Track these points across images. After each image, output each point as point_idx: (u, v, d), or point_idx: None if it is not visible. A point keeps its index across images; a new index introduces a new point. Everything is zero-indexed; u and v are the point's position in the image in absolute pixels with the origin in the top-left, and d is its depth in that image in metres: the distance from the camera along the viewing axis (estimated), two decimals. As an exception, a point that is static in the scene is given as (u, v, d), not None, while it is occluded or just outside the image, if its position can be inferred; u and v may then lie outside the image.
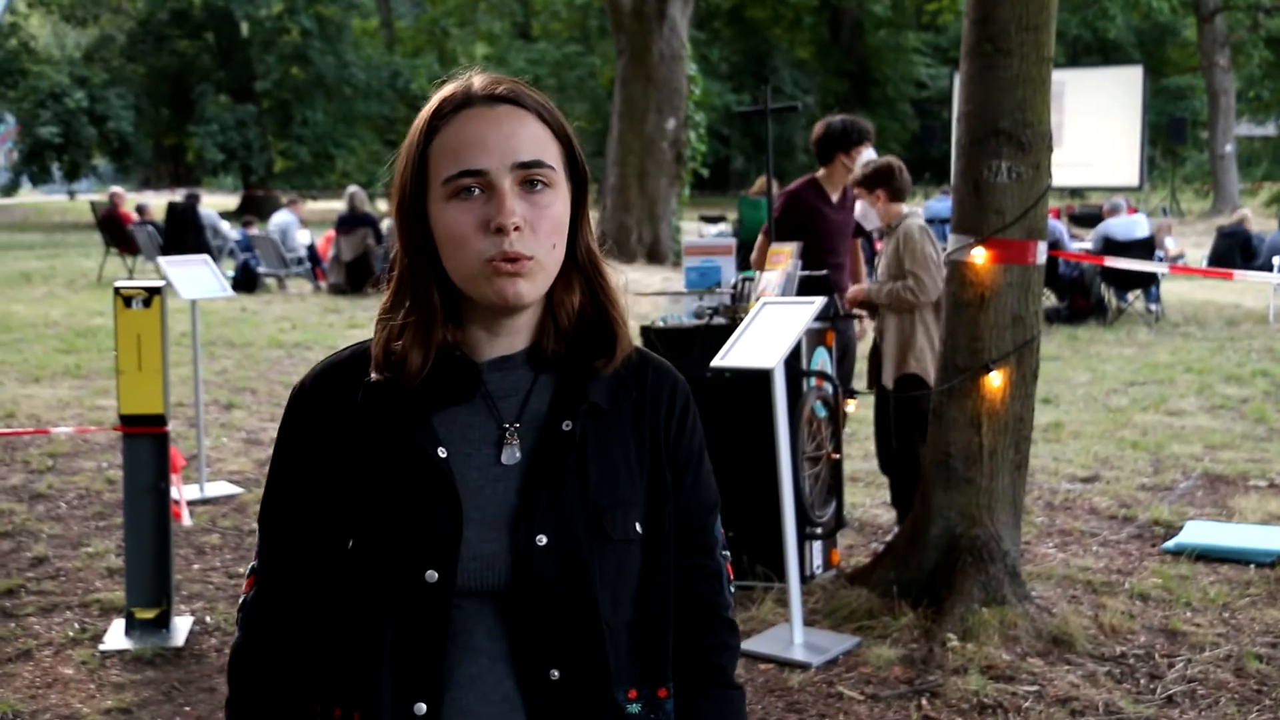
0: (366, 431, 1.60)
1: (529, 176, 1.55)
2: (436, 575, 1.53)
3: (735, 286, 5.90)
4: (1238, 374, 10.90)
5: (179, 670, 4.78)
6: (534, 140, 1.56)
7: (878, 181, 6.04)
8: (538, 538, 1.55)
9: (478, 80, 1.60)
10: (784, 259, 5.80)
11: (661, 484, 1.66)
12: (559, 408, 1.61)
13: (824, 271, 5.95)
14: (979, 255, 5.01)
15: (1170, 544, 6.09)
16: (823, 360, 5.74)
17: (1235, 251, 16.55)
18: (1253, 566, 5.79)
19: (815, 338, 5.66)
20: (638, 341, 1.89)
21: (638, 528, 1.62)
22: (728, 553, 1.77)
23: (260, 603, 1.67)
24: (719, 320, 5.63)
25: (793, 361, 5.20)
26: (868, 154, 6.34)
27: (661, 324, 5.78)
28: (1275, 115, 44.12)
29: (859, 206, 6.38)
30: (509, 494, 1.58)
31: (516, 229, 1.52)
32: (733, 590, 1.77)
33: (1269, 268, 14.55)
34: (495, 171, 1.53)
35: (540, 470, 1.58)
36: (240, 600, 1.70)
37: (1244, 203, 31.15)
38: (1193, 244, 22.98)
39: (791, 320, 4.90)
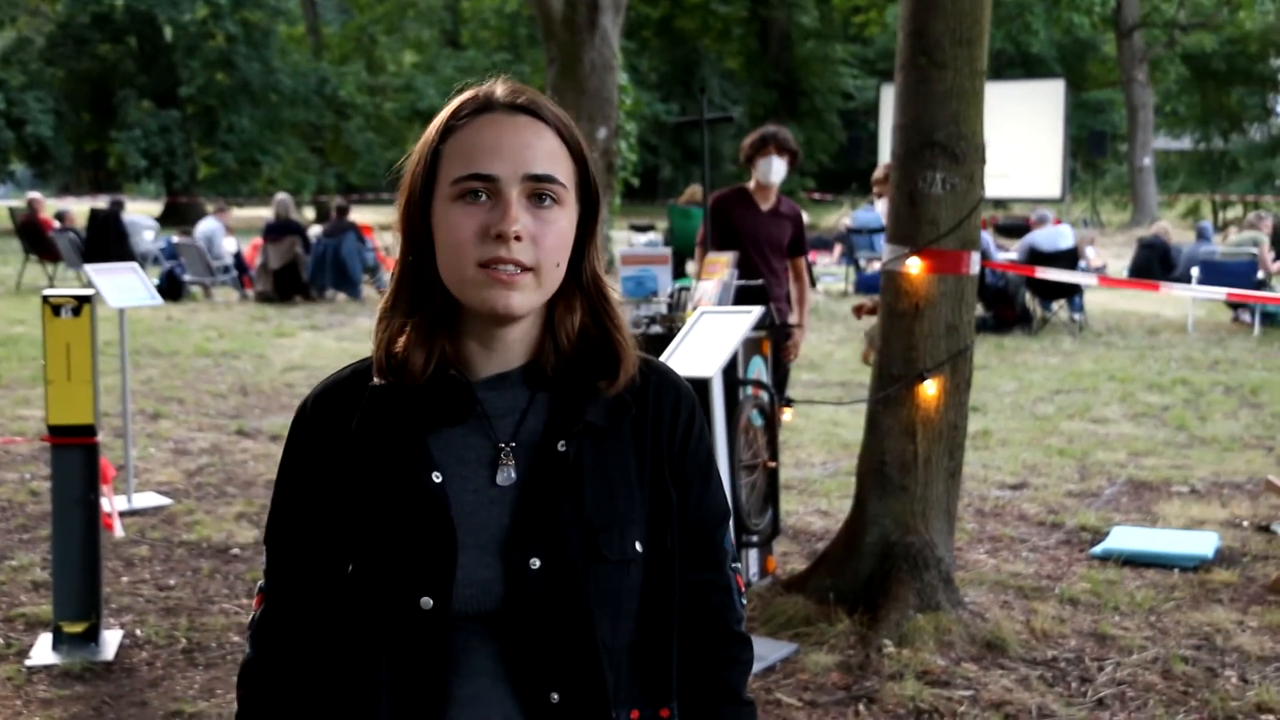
0: (364, 454, 1.59)
1: (539, 190, 1.54)
2: (431, 602, 1.52)
3: (671, 295, 5.92)
4: (1159, 382, 11.10)
5: (109, 685, 4.70)
6: (548, 154, 1.56)
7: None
8: (531, 561, 1.54)
9: (501, 87, 1.60)
10: (720, 269, 5.82)
11: (665, 500, 1.64)
12: (555, 428, 1.59)
13: (759, 281, 5.99)
14: (914, 265, 5.07)
15: (1098, 549, 6.18)
16: (759, 369, 5.77)
17: (1155, 263, 16.86)
18: (1177, 571, 5.90)
19: (751, 347, 5.68)
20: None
21: (637, 547, 1.60)
22: (738, 564, 1.75)
23: (268, 621, 1.67)
24: (656, 329, 5.65)
25: (729, 370, 5.22)
26: (770, 162, 6.45)
27: None
28: (1191, 130, 45.01)
29: (879, 205, 6.45)
30: (504, 516, 1.57)
31: (518, 238, 1.51)
32: (744, 603, 1.75)
33: (1187, 278, 14.83)
34: (505, 179, 1.53)
35: (534, 492, 1.56)
36: (250, 618, 1.70)
37: (1162, 214, 31.73)
38: (1113, 255, 23.35)
39: (729, 329, 4.92)
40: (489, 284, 1.52)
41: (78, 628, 4.96)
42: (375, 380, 1.60)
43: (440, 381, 1.58)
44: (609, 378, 1.61)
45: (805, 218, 6.75)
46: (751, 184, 6.60)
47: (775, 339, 6.22)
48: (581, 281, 1.63)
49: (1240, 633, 5.10)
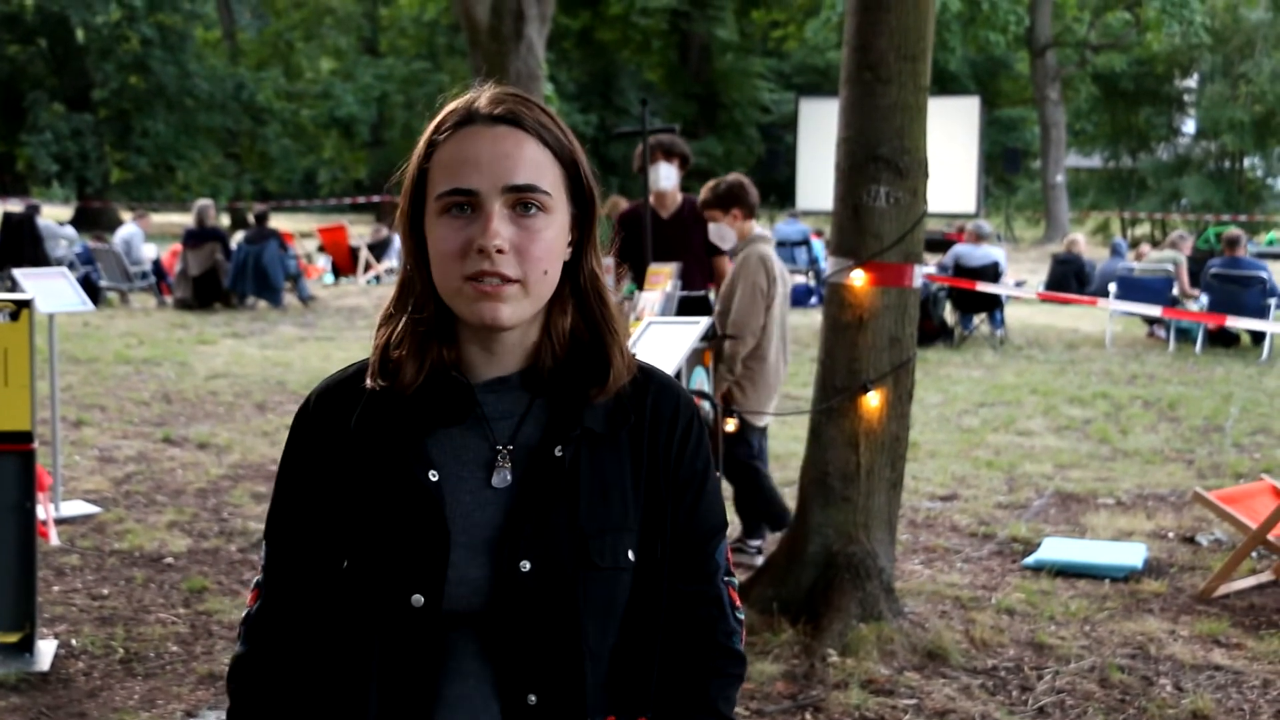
0: (362, 452, 1.60)
1: (521, 200, 1.55)
2: (422, 599, 1.54)
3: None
4: (1080, 396, 11.30)
5: (46, 695, 4.62)
6: (529, 164, 1.56)
7: (732, 201, 6.21)
8: (521, 563, 1.55)
9: (484, 97, 1.59)
10: (663, 279, 5.86)
11: (660, 509, 1.64)
12: (553, 432, 1.61)
13: (702, 292, 6.03)
14: (857, 278, 5.13)
15: (1030, 560, 6.29)
16: (700, 379, 5.80)
17: (1070, 278, 17.18)
18: (1108, 581, 6.02)
19: (694, 357, 5.72)
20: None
21: (629, 555, 1.61)
22: (732, 578, 1.74)
23: (264, 616, 1.67)
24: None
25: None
26: (658, 169, 6.50)
27: None
28: (1101, 148, 45.89)
29: (714, 228, 6.43)
30: (497, 518, 1.58)
31: (499, 251, 1.52)
32: (740, 617, 1.74)
33: (1103, 293, 15.11)
34: (485, 192, 1.53)
35: (528, 495, 1.58)
36: (245, 614, 1.70)
37: (1073, 231, 32.30)
38: (1027, 270, 23.75)
39: (677, 340, 4.95)
40: (476, 297, 1.53)
41: (11, 638, 4.86)
42: (369, 383, 1.61)
43: (441, 383, 1.60)
44: (598, 384, 1.61)
45: None
46: (651, 195, 6.62)
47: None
48: (578, 284, 1.63)
49: (1172, 642, 5.22)
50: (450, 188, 1.54)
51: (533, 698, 1.56)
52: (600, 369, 1.62)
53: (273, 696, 1.65)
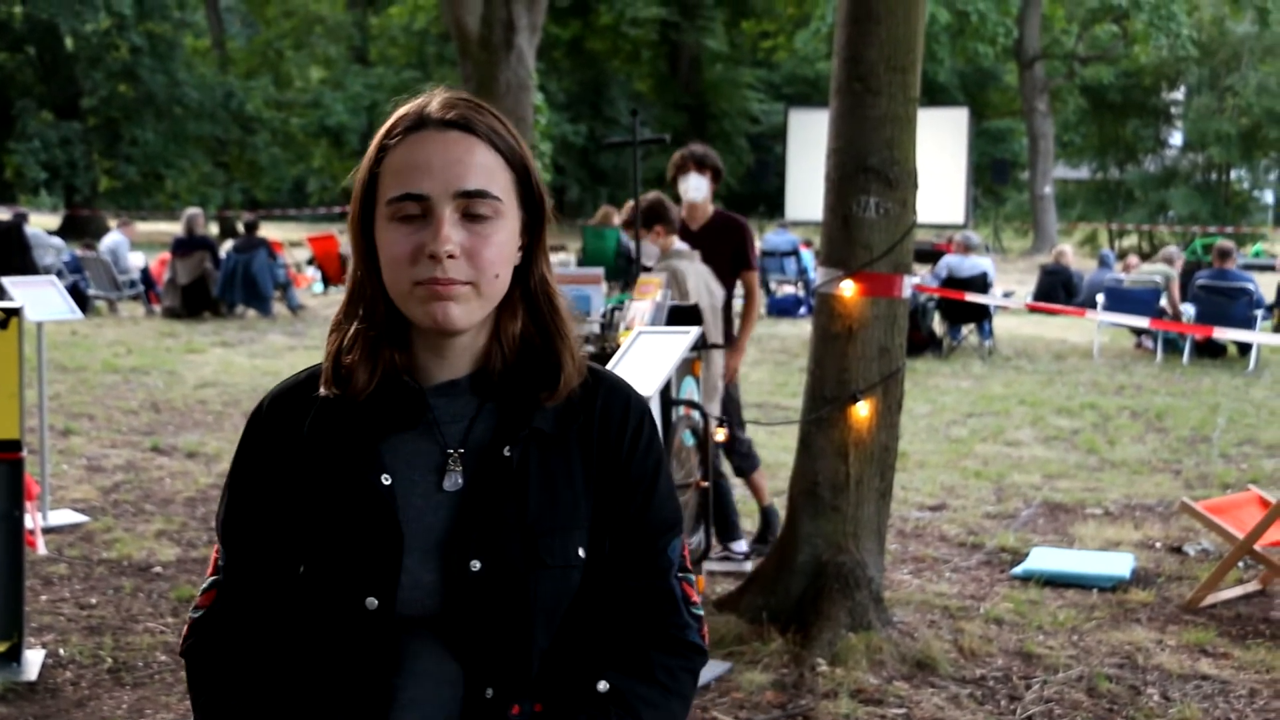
0: (316, 457, 1.62)
1: (471, 206, 1.56)
2: (376, 602, 1.57)
3: (604, 315, 5.94)
4: (1068, 406, 11.33)
5: (34, 705, 4.60)
6: (481, 169, 1.57)
7: (655, 218, 6.25)
8: (471, 563, 1.57)
9: (436, 101, 1.60)
10: (653, 289, 5.86)
11: (611, 507, 1.66)
12: (502, 434, 1.62)
13: (693, 302, 6.03)
14: (847, 288, 5.14)
15: (1018, 570, 6.30)
16: (690, 389, 5.81)
17: (1058, 289, 17.24)
18: (1096, 591, 6.03)
19: (684, 367, 5.72)
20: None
21: (580, 552, 1.63)
22: (687, 574, 1.74)
23: (219, 618, 1.68)
24: (588, 349, 5.66)
25: (664, 390, 5.25)
26: (689, 180, 6.51)
27: None
28: (1089, 159, 46.08)
29: (646, 245, 6.44)
30: (449, 520, 1.60)
31: (450, 256, 1.53)
32: (696, 613, 1.74)
33: (1091, 304, 15.16)
34: (436, 197, 1.54)
35: (478, 496, 1.60)
36: (195, 615, 1.70)
37: (1061, 242, 32.40)
38: (1015, 281, 23.83)
39: (667, 350, 4.95)
40: (427, 299, 1.55)
41: None
42: (322, 391, 1.63)
43: (392, 388, 1.62)
44: (549, 388, 1.63)
45: (749, 230, 6.67)
46: (683, 207, 6.65)
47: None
48: (528, 288, 1.65)
49: (1160, 651, 5.23)
50: (401, 193, 1.55)
51: (489, 691, 1.58)
52: (550, 373, 1.64)
53: (232, 694, 1.65)
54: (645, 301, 5.82)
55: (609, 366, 4.91)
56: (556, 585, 1.61)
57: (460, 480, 1.61)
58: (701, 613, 1.75)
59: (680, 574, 1.73)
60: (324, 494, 1.60)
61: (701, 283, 6.28)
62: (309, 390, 1.67)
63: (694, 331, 5.00)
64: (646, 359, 4.92)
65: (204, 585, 1.71)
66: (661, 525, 1.71)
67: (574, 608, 1.63)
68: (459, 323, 1.56)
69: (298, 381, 1.71)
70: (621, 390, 1.71)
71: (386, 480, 1.59)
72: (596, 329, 5.84)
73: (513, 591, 1.57)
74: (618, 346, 5.29)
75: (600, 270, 6.29)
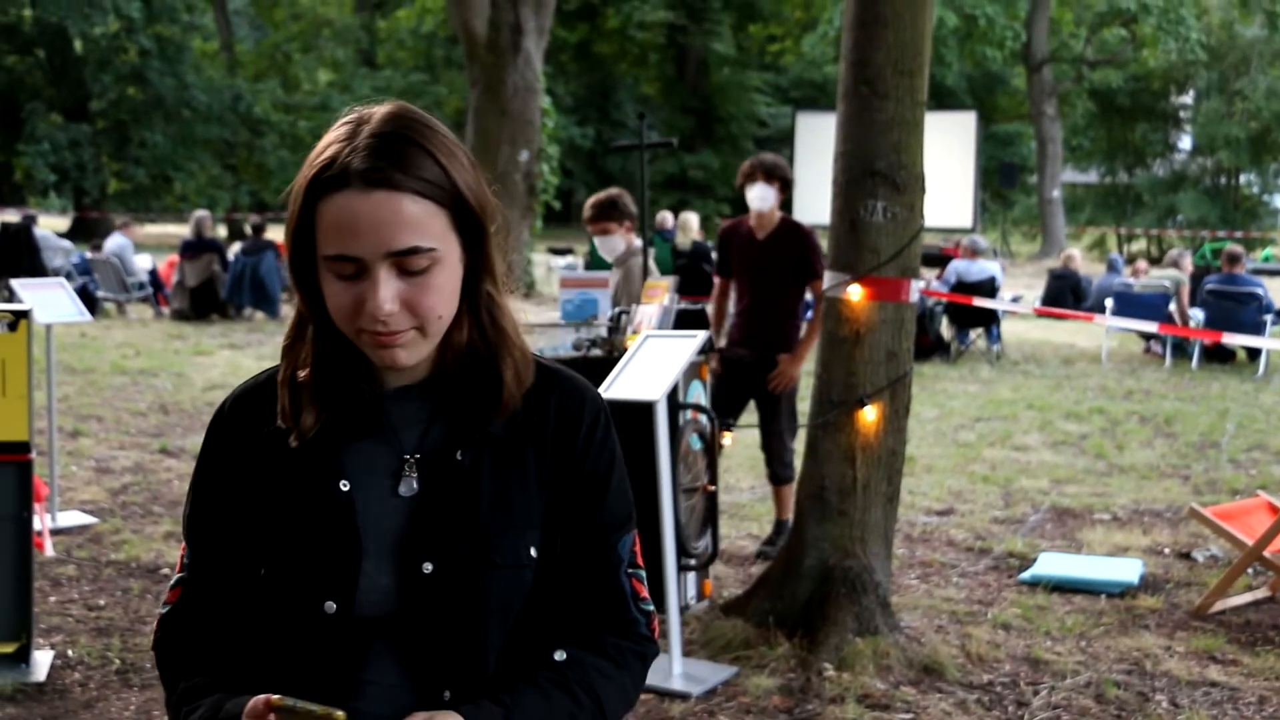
0: (276, 460, 1.64)
1: (404, 263, 1.53)
2: (335, 606, 1.59)
3: (612, 319, 5.94)
4: (1076, 411, 11.31)
5: (42, 706, 4.61)
6: (409, 226, 1.52)
7: (624, 214, 6.32)
8: (423, 565, 1.60)
9: (360, 145, 1.53)
10: (660, 293, 5.86)
11: (563, 505, 1.69)
12: (454, 439, 1.65)
13: (700, 306, 6.04)
14: (854, 292, 5.14)
15: (1026, 575, 6.29)
16: (698, 393, 5.81)
17: (1066, 293, 17.19)
18: (1104, 597, 6.02)
19: (691, 371, 5.72)
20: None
21: (532, 552, 1.65)
22: (637, 570, 1.75)
23: (184, 614, 1.71)
24: (596, 352, 5.67)
25: (671, 395, 5.25)
26: (756, 189, 6.50)
27: (538, 355, 5.78)
28: (1097, 163, 46.01)
29: (603, 241, 6.49)
30: (404, 525, 1.62)
31: (391, 314, 1.53)
32: (645, 608, 1.75)
33: (1100, 308, 15.14)
34: (369, 259, 1.52)
35: (430, 500, 1.62)
36: (165, 611, 1.73)
37: (1069, 246, 32.35)
38: (1024, 285, 23.80)
39: (674, 354, 4.95)
40: (373, 345, 1.57)
41: (8, 648, 4.85)
42: (279, 423, 1.64)
43: (350, 395, 1.64)
44: (493, 405, 1.65)
45: (815, 238, 6.58)
46: (751, 215, 6.65)
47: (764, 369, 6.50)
48: (473, 303, 1.64)
49: (1168, 658, 5.22)
50: (335, 253, 1.54)
51: (447, 694, 1.61)
52: (493, 388, 1.65)
53: (197, 685, 1.66)
54: (653, 305, 5.82)
55: (615, 370, 4.92)
56: (508, 584, 1.63)
57: (415, 485, 1.63)
58: (651, 608, 1.76)
59: (630, 569, 1.74)
60: (283, 498, 1.63)
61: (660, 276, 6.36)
62: (270, 391, 1.68)
63: (701, 335, 5.00)
64: (653, 363, 4.93)
65: (172, 581, 1.73)
66: (613, 522, 1.72)
67: (527, 606, 1.66)
68: (406, 363, 1.59)
69: (258, 382, 1.72)
70: (576, 390, 1.73)
71: (345, 486, 1.62)
72: (604, 332, 5.85)
73: (464, 592, 1.60)
74: (624, 350, 5.29)
75: (608, 274, 6.30)
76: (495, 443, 1.65)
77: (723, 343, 6.78)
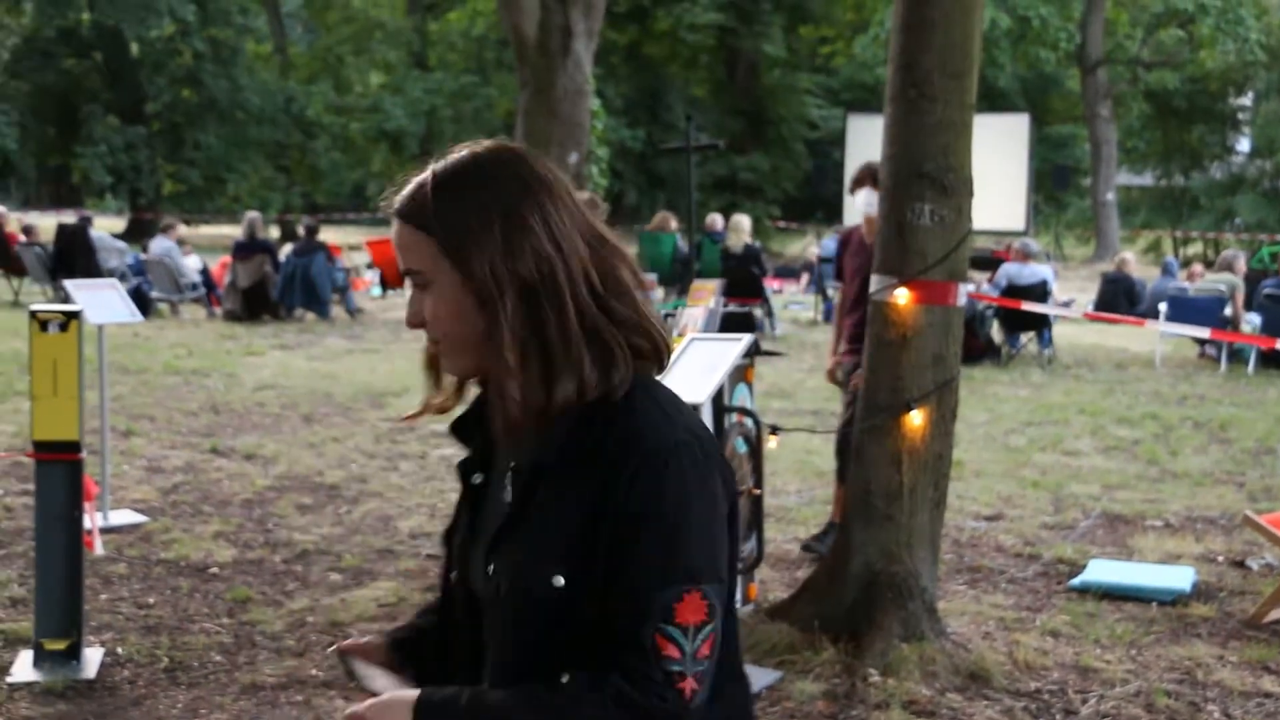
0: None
1: (415, 280, 1.79)
2: (455, 575, 1.90)
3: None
4: (1128, 416, 11.19)
5: (92, 703, 4.66)
6: (407, 249, 1.77)
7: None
8: (489, 567, 1.78)
9: (403, 186, 1.80)
10: (706, 295, 5.85)
11: (603, 544, 1.68)
12: (530, 457, 1.76)
13: (747, 309, 6.02)
14: (901, 296, 5.10)
15: (1076, 582, 6.22)
16: (743, 396, 5.79)
17: (1120, 297, 17.03)
18: (1155, 605, 5.94)
19: (737, 374, 5.70)
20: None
21: (556, 582, 1.70)
22: (671, 627, 1.66)
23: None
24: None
25: (716, 397, 5.24)
26: (866, 195, 6.44)
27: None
28: (1153, 166, 45.53)
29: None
30: (498, 526, 1.80)
31: (417, 324, 1.79)
32: (669, 668, 1.66)
33: (1153, 313, 14.98)
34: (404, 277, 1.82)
35: (514, 509, 1.78)
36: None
37: (1123, 249, 32.01)
38: (1077, 289, 23.56)
39: (719, 356, 4.94)
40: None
41: (59, 645, 4.91)
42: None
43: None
44: (544, 430, 1.74)
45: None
46: (862, 220, 6.61)
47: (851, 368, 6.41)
48: (510, 324, 1.72)
49: (1221, 667, 5.15)
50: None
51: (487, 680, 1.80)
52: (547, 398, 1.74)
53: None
54: (699, 307, 5.81)
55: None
56: (527, 605, 1.72)
57: (509, 494, 1.80)
58: (680, 669, 1.67)
59: (663, 625, 1.66)
60: (459, 483, 1.92)
61: None
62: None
63: (745, 339, 4.98)
64: (699, 366, 4.91)
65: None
66: (651, 571, 1.67)
67: (553, 633, 1.71)
68: (451, 370, 1.84)
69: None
70: (636, 428, 1.70)
71: (478, 479, 1.88)
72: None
73: (497, 600, 1.77)
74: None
75: (654, 276, 6.28)
76: (547, 469, 1.73)
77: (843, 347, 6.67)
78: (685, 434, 1.72)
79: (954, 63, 5.07)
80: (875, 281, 5.27)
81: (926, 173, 5.07)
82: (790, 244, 38.94)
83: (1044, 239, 37.69)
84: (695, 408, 4.79)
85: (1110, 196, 37.87)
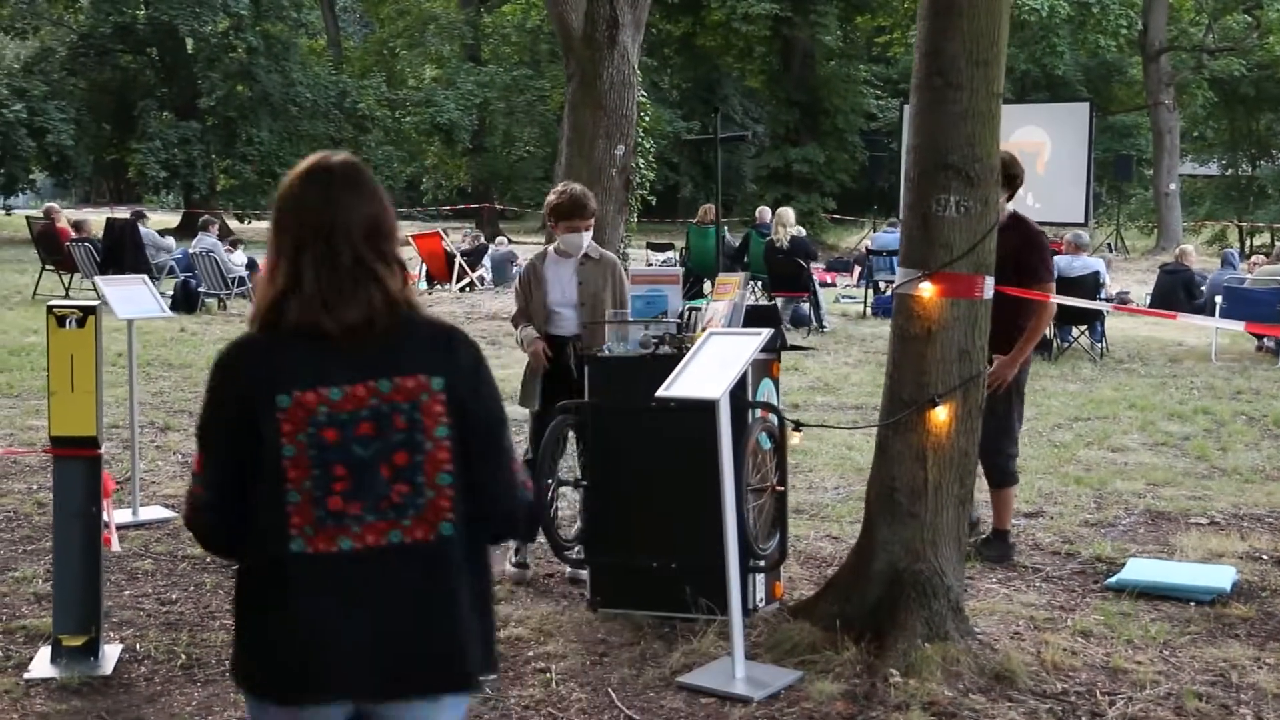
0: None
1: None
2: None
3: (681, 316, 5.85)
4: (1180, 411, 10.96)
5: (106, 700, 4.66)
6: None
7: (591, 211, 6.14)
8: None
9: None
10: (731, 289, 5.76)
11: None
12: None
13: (773, 302, 5.92)
14: (926, 289, 4.99)
15: (1112, 580, 6.08)
16: (768, 391, 5.69)
17: (1178, 290, 16.71)
18: (1193, 604, 5.79)
19: (761, 369, 5.61)
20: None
21: None
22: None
23: None
24: (665, 349, 5.58)
25: (738, 393, 5.15)
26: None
27: (607, 352, 5.72)
28: (1218, 155, 44.76)
29: (573, 238, 6.20)
30: None
31: None
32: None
33: (1212, 305, 14.68)
34: None
35: None
36: None
37: (1187, 240, 31.49)
38: (1137, 281, 23.18)
39: (737, 351, 4.85)
40: None
41: (77, 641, 4.91)
42: None
43: None
44: None
45: (1040, 238, 6.31)
46: None
47: None
48: None
49: (1256, 669, 5.00)
50: None
51: None
52: None
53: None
54: (723, 301, 5.73)
55: (678, 368, 4.84)
56: None
57: None
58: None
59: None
60: None
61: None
62: None
63: (766, 333, 4.89)
64: (717, 360, 4.83)
65: None
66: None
67: None
68: None
69: None
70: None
71: None
72: (673, 329, 5.76)
73: None
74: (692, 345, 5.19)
75: (677, 270, 6.19)
76: None
77: None
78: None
79: (981, 50, 4.95)
80: (900, 275, 5.17)
81: (952, 163, 4.97)
82: (845, 237, 38.66)
83: (1106, 230, 37.15)
84: (712, 403, 4.71)
85: (1173, 186, 37.20)
